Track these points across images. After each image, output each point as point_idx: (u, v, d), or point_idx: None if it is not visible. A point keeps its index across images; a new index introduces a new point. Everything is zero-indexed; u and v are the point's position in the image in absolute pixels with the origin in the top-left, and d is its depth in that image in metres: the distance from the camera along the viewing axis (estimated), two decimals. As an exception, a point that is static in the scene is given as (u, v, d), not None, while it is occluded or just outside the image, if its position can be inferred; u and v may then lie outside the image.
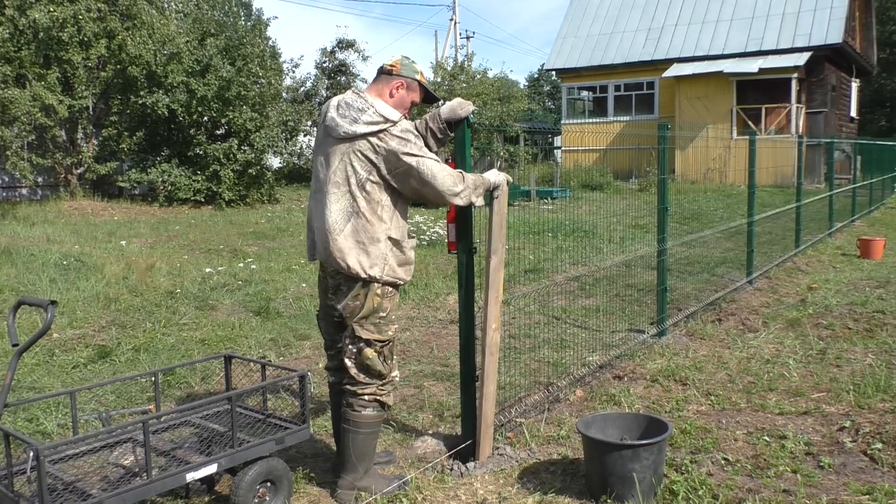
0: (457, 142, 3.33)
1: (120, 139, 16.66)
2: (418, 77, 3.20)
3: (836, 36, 23.13)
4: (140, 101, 16.15)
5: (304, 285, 7.57)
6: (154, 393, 3.43)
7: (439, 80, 27.06)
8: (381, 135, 2.94)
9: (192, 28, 17.36)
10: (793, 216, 9.90)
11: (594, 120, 27.62)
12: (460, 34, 37.87)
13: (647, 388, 4.53)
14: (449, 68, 27.82)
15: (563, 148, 28.91)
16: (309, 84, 27.27)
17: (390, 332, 3.11)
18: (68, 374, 4.86)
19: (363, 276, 2.99)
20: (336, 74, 27.49)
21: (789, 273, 8.37)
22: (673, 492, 3.12)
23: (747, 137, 7.86)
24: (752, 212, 7.67)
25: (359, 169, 2.96)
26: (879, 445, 3.51)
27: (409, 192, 3.04)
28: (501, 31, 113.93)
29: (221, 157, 16.46)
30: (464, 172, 3.12)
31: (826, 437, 3.72)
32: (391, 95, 3.14)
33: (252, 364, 3.79)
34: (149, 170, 16.55)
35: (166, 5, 18.51)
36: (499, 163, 30.05)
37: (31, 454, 2.36)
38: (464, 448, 3.51)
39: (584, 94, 29.15)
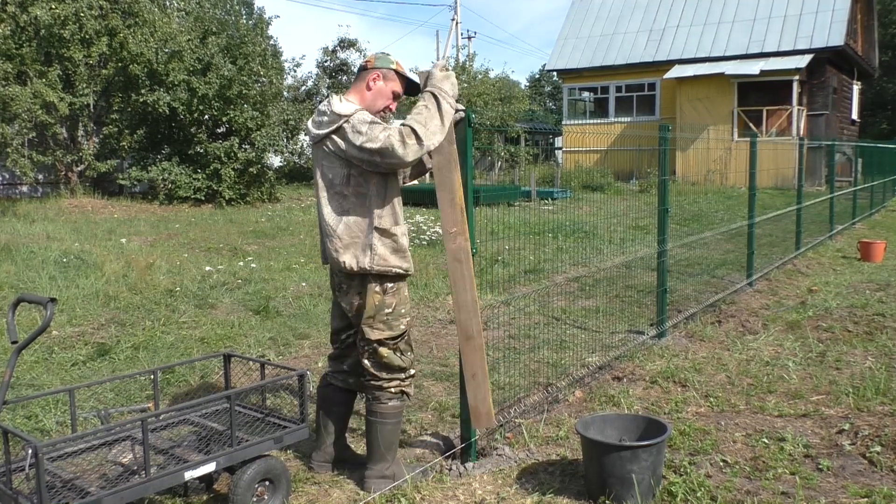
0: (458, 142, 3.32)
1: (121, 137, 16.66)
2: (394, 66, 3.19)
3: (837, 38, 23.14)
4: (141, 100, 16.15)
5: (303, 284, 7.57)
6: (153, 391, 3.43)
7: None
8: (340, 131, 2.99)
9: (193, 26, 17.36)
10: (793, 218, 9.89)
11: (595, 121, 27.63)
12: (462, 34, 37.91)
13: (647, 389, 4.53)
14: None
15: (563, 149, 28.91)
16: (310, 83, 27.30)
17: (402, 327, 3.14)
18: (67, 372, 4.86)
19: (356, 269, 3.04)
20: (337, 74, 27.51)
21: (789, 275, 8.37)
22: (671, 493, 3.12)
23: (748, 139, 7.85)
24: (752, 214, 7.67)
25: (336, 168, 3.04)
26: (878, 448, 3.51)
27: (389, 172, 3.06)
28: (503, 32, 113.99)
29: (222, 155, 16.46)
30: (411, 123, 2.92)
31: (825, 439, 3.72)
32: (369, 88, 3.15)
33: (251, 363, 3.79)
34: (149, 168, 16.54)
35: (168, 3, 18.51)
36: (499, 163, 30.10)
37: (30, 451, 2.36)
38: (463, 448, 3.51)
39: (586, 94, 29.16)
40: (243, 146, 16.98)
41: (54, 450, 2.82)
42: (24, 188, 17.02)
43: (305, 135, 3.16)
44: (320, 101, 26.20)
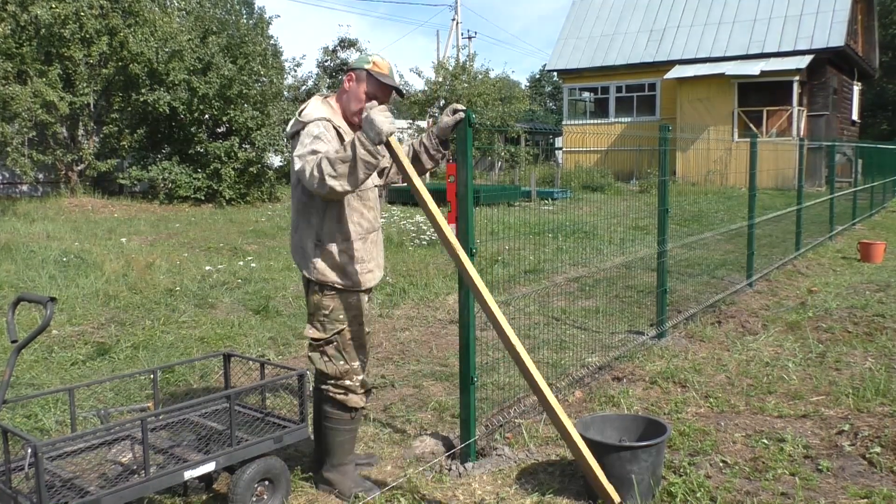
0: (458, 142, 3.32)
1: (121, 136, 16.66)
2: (367, 66, 3.07)
3: (838, 39, 23.14)
4: (141, 99, 16.15)
5: (303, 284, 7.56)
6: (153, 390, 3.43)
7: (441, 79, 27.04)
8: (296, 137, 3.01)
9: (193, 26, 17.35)
10: (793, 219, 9.89)
11: (595, 121, 27.63)
12: (462, 34, 37.85)
13: (646, 389, 4.53)
14: (451, 68, 27.81)
15: (563, 149, 28.92)
16: (311, 83, 27.29)
17: (334, 331, 3.09)
18: (67, 371, 4.86)
19: (303, 273, 3.14)
20: (338, 73, 27.50)
21: (789, 276, 8.37)
22: (671, 494, 3.12)
23: (748, 140, 7.85)
24: (752, 214, 7.67)
25: (291, 174, 3.10)
26: (878, 449, 3.51)
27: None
28: (503, 32, 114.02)
29: (222, 155, 16.45)
30: (325, 157, 2.78)
31: (825, 440, 3.72)
32: (344, 91, 3.14)
33: (251, 362, 3.78)
34: (149, 167, 16.54)
35: (168, 3, 18.51)
36: (499, 163, 30.09)
37: (30, 451, 2.36)
38: (462, 448, 3.51)
39: (586, 95, 29.16)
40: (243, 146, 16.98)
41: (54, 449, 2.81)
42: (25, 187, 17.01)
43: None
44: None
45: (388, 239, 10.08)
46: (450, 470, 3.42)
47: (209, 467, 2.80)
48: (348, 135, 3.04)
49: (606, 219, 10.52)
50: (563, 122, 29.13)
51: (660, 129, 5.65)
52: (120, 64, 16.27)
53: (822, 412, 4.08)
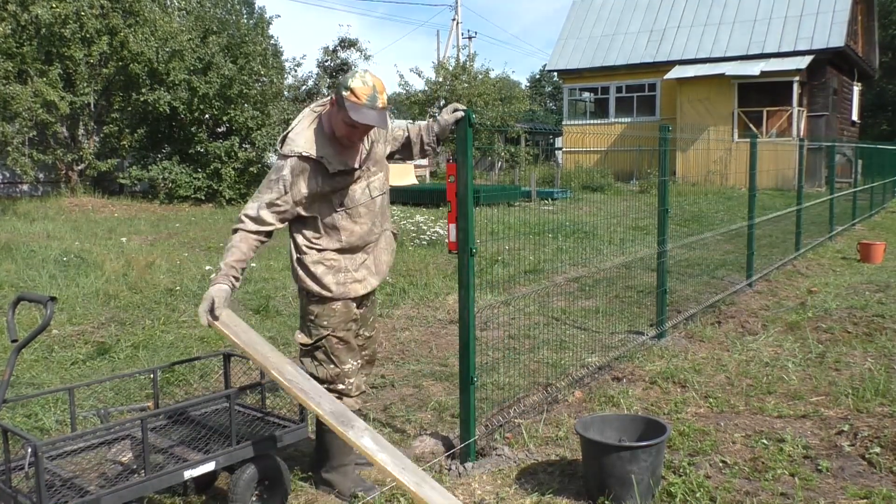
0: (458, 142, 3.33)
1: (121, 136, 16.66)
2: (345, 94, 2.85)
3: (838, 39, 23.13)
4: (141, 99, 16.15)
5: (303, 284, 7.56)
6: (153, 390, 3.43)
7: (441, 80, 27.04)
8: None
9: (194, 25, 17.35)
10: (793, 219, 9.90)
11: (595, 121, 27.62)
12: (462, 34, 37.83)
13: (646, 389, 4.53)
14: (451, 68, 27.81)
15: (563, 149, 28.91)
16: (311, 83, 27.27)
17: (319, 336, 3.11)
18: (67, 371, 4.86)
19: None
20: (338, 73, 27.48)
21: (789, 276, 8.37)
22: (671, 494, 3.12)
23: (748, 140, 7.85)
24: (752, 214, 7.67)
25: None
26: (878, 450, 3.51)
27: (306, 202, 3.08)
28: (504, 32, 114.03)
29: (223, 155, 16.45)
30: (242, 219, 3.03)
31: (824, 440, 3.72)
32: (329, 114, 3.03)
33: (251, 362, 3.78)
34: (150, 167, 16.54)
35: (169, 3, 18.51)
36: (499, 163, 30.09)
37: (30, 450, 2.36)
38: (462, 448, 3.51)
39: (586, 95, 29.15)
40: (244, 146, 16.98)
41: (54, 448, 2.82)
42: (25, 187, 17.01)
43: None
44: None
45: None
46: (449, 470, 3.43)
47: (209, 467, 2.80)
48: (333, 162, 2.97)
49: (606, 219, 10.51)
50: (563, 123, 29.12)
51: (660, 130, 5.66)
52: (120, 63, 16.27)
53: (822, 412, 4.08)
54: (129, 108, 16.73)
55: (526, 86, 53.82)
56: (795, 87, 22.80)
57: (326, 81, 27.21)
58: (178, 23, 17.41)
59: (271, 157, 18.94)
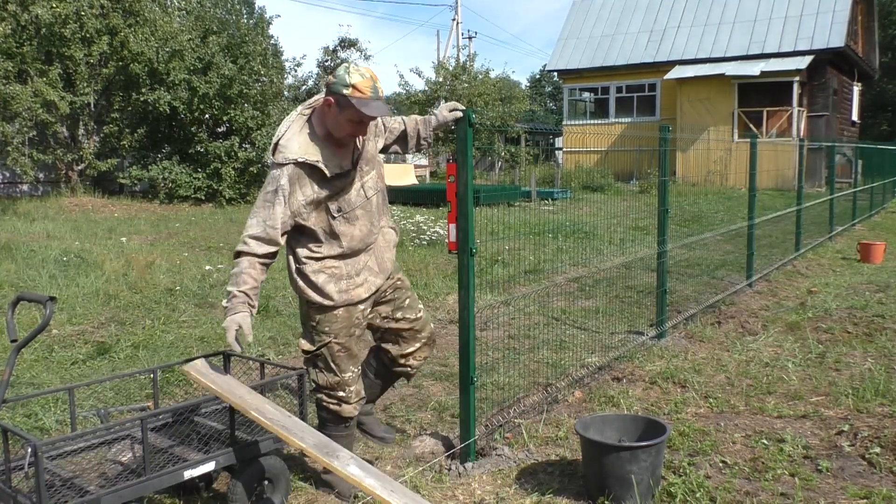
0: (458, 142, 3.33)
1: (121, 136, 16.66)
2: (346, 91, 2.80)
3: (838, 40, 23.14)
4: (142, 98, 16.15)
5: (303, 284, 7.56)
6: (153, 390, 3.43)
7: (441, 80, 27.04)
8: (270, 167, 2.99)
9: (194, 25, 17.36)
10: (793, 219, 9.90)
11: (595, 121, 27.63)
12: (462, 34, 37.83)
13: (646, 389, 4.53)
14: (451, 68, 27.81)
15: (564, 149, 28.91)
16: (311, 83, 27.27)
17: (321, 343, 3.08)
18: (67, 371, 4.86)
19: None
20: (338, 73, 27.48)
21: (789, 276, 8.37)
22: (671, 494, 3.12)
23: (748, 140, 7.85)
24: (752, 214, 7.67)
25: None
26: (878, 450, 3.51)
27: (302, 210, 3.00)
28: (504, 32, 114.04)
29: (223, 154, 16.45)
30: (244, 241, 2.91)
31: (824, 440, 3.72)
32: (325, 116, 2.92)
33: (251, 362, 3.79)
34: (150, 167, 16.54)
35: (169, 3, 18.51)
36: (499, 163, 30.08)
37: (30, 450, 2.36)
38: (462, 448, 3.51)
39: (586, 95, 29.15)
40: (244, 145, 16.98)
41: (54, 448, 2.81)
42: (25, 187, 17.01)
43: None
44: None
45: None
46: (449, 470, 3.43)
47: (209, 467, 2.80)
48: (329, 165, 2.90)
49: (606, 219, 10.52)
50: (563, 123, 29.12)
51: (660, 130, 5.65)
52: (120, 63, 16.27)
53: (822, 412, 4.08)
54: (129, 108, 16.73)
55: (526, 86, 53.83)
56: (795, 87, 22.81)
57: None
58: (178, 23, 17.42)
59: (271, 157, 18.94)
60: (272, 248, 2.92)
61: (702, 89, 23.98)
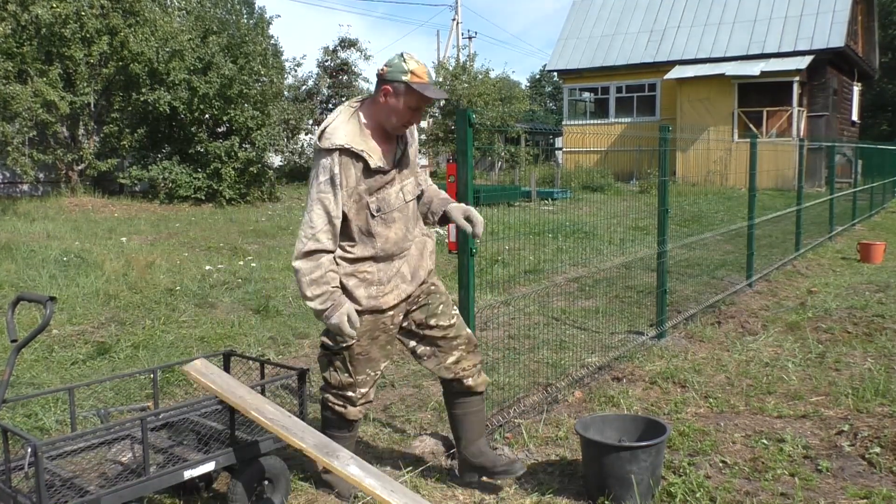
0: (458, 142, 3.33)
1: (121, 136, 16.66)
2: (406, 78, 2.87)
3: (838, 40, 23.14)
4: (142, 99, 16.15)
5: (303, 284, 7.55)
6: (153, 390, 3.43)
7: (441, 80, 27.05)
8: (316, 159, 2.95)
9: (194, 25, 17.36)
10: (793, 219, 9.90)
11: (595, 121, 27.63)
12: (462, 34, 37.83)
13: (646, 389, 4.53)
14: (451, 68, 27.82)
15: (563, 149, 28.92)
16: (311, 83, 27.29)
17: (343, 343, 3.01)
18: (67, 371, 4.86)
19: None
20: (338, 73, 27.51)
21: (789, 276, 8.37)
22: (671, 494, 3.12)
23: (748, 140, 7.85)
24: (752, 214, 7.67)
25: None
26: (878, 450, 3.51)
27: (354, 211, 2.96)
28: (504, 32, 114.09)
29: (223, 154, 16.45)
30: (302, 237, 2.87)
31: (824, 440, 3.72)
32: (381, 102, 2.93)
33: (251, 362, 3.79)
34: (150, 167, 16.54)
35: (169, 2, 18.51)
36: (499, 163, 30.08)
37: (30, 450, 2.36)
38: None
39: (586, 95, 29.16)
40: (244, 145, 16.98)
41: (54, 448, 2.81)
42: (25, 187, 17.01)
43: None
44: (321, 101, 25.90)
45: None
46: (449, 470, 3.43)
47: (209, 467, 2.81)
48: (374, 157, 2.89)
49: (606, 219, 10.53)
50: (563, 123, 29.13)
51: (660, 130, 5.66)
52: (120, 63, 16.27)
53: (822, 412, 4.08)
54: (129, 108, 16.73)
55: (526, 86, 53.83)
56: (795, 87, 22.81)
57: (326, 81, 27.21)
58: (178, 23, 17.41)
59: (271, 157, 18.94)
60: (337, 242, 2.93)
61: (702, 89, 23.98)
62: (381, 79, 2.92)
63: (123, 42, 15.98)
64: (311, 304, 2.90)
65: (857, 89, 29.45)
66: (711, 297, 6.93)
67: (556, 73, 29.67)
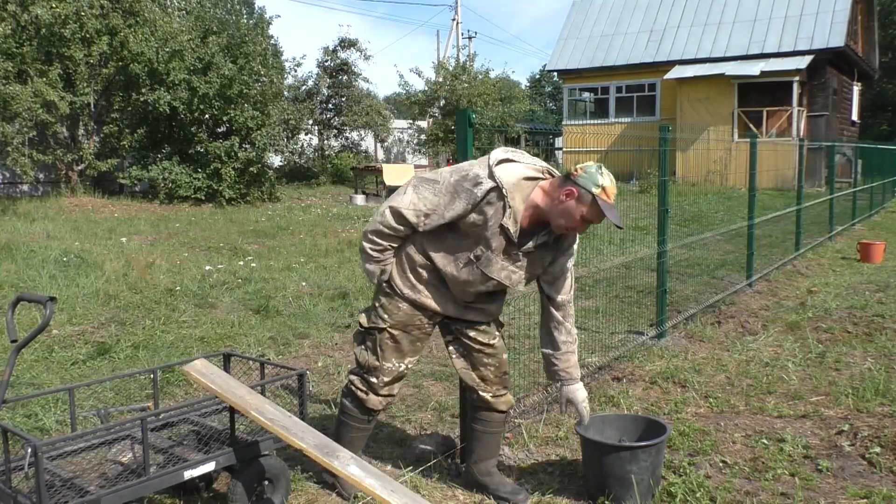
0: (458, 142, 3.33)
1: (121, 136, 16.67)
2: (595, 191, 2.81)
3: (838, 39, 23.13)
4: (142, 99, 16.16)
5: (303, 284, 7.57)
6: (153, 390, 3.43)
7: (441, 80, 27.04)
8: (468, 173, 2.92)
9: (194, 26, 17.37)
10: (793, 219, 9.90)
11: (595, 121, 27.62)
12: (462, 34, 37.80)
13: (646, 389, 4.53)
14: (451, 68, 27.81)
15: (564, 149, 28.91)
16: (311, 83, 27.30)
17: (375, 326, 3.07)
18: (67, 371, 4.86)
19: None
20: (338, 73, 27.52)
21: (789, 276, 8.37)
22: (671, 494, 3.12)
23: (748, 140, 7.85)
24: (752, 214, 7.67)
25: None
26: (878, 449, 3.51)
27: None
28: (504, 32, 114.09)
29: (222, 155, 16.46)
30: (377, 221, 2.95)
31: (824, 440, 3.72)
32: (557, 200, 2.84)
33: (251, 362, 3.79)
34: (150, 167, 16.55)
35: (169, 3, 18.52)
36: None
37: (30, 450, 2.36)
38: (462, 448, 3.50)
39: (586, 95, 29.15)
40: (244, 145, 16.99)
41: (54, 449, 2.81)
42: (25, 187, 17.02)
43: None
44: (321, 101, 25.87)
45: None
46: (449, 470, 3.43)
47: (209, 467, 2.80)
48: (513, 226, 2.82)
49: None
50: (563, 123, 29.12)
51: (660, 130, 5.66)
52: (120, 64, 16.28)
53: (822, 412, 4.08)
54: (129, 108, 16.74)
55: (526, 86, 53.83)
56: (795, 87, 22.80)
57: (326, 81, 27.22)
58: (178, 23, 17.42)
59: (271, 157, 18.93)
60: (405, 231, 2.94)
61: (702, 89, 23.97)
62: (571, 179, 2.85)
63: (123, 42, 15.99)
64: (366, 244, 3.00)
65: (856, 89, 29.45)
66: (711, 296, 6.93)
67: (555, 73, 29.66)
